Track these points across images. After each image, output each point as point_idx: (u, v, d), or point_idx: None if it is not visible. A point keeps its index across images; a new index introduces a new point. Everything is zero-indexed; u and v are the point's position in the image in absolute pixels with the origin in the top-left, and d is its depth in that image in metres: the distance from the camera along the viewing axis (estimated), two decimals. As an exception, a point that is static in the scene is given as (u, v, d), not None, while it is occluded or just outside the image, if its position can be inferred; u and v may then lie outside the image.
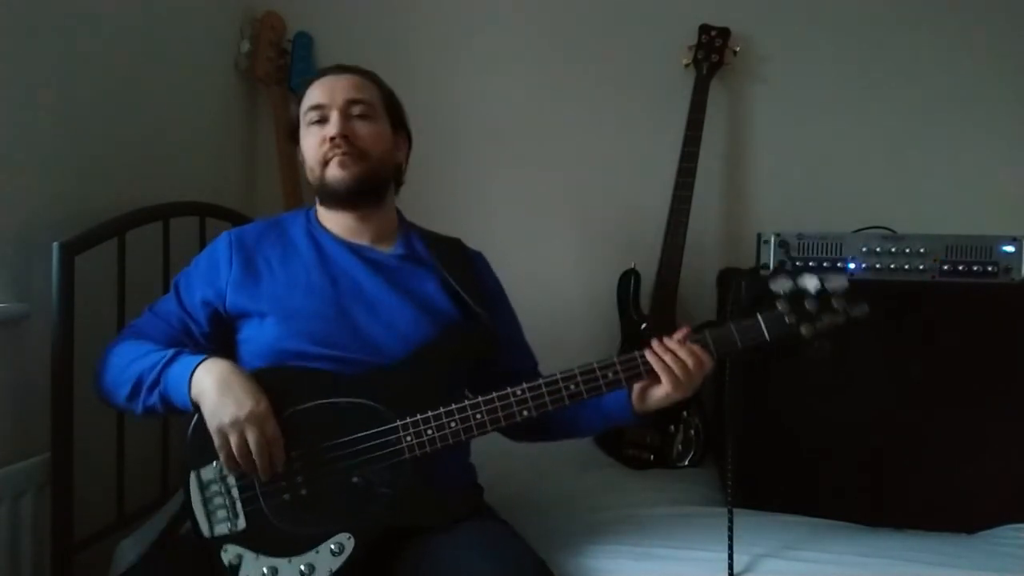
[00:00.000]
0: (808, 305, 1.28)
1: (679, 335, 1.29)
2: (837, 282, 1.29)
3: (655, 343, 1.29)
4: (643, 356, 1.28)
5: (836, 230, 1.86)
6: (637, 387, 1.31)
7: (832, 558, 1.45)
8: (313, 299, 1.34)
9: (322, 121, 1.39)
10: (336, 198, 1.40)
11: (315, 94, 1.40)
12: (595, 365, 1.28)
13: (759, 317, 1.29)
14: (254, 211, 2.27)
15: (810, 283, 1.28)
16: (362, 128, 1.39)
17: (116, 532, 1.57)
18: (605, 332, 2.28)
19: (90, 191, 1.63)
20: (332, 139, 1.36)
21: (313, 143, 1.39)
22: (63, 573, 1.42)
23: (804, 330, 1.27)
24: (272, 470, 1.20)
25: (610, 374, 1.27)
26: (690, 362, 1.26)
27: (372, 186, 1.40)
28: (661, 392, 1.29)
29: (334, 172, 1.37)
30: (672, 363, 1.26)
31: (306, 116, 1.41)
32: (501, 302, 1.53)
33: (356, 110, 1.39)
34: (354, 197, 1.39)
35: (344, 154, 1.36)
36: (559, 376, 1.27)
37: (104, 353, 1.35)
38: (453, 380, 1.33)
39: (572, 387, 1.26)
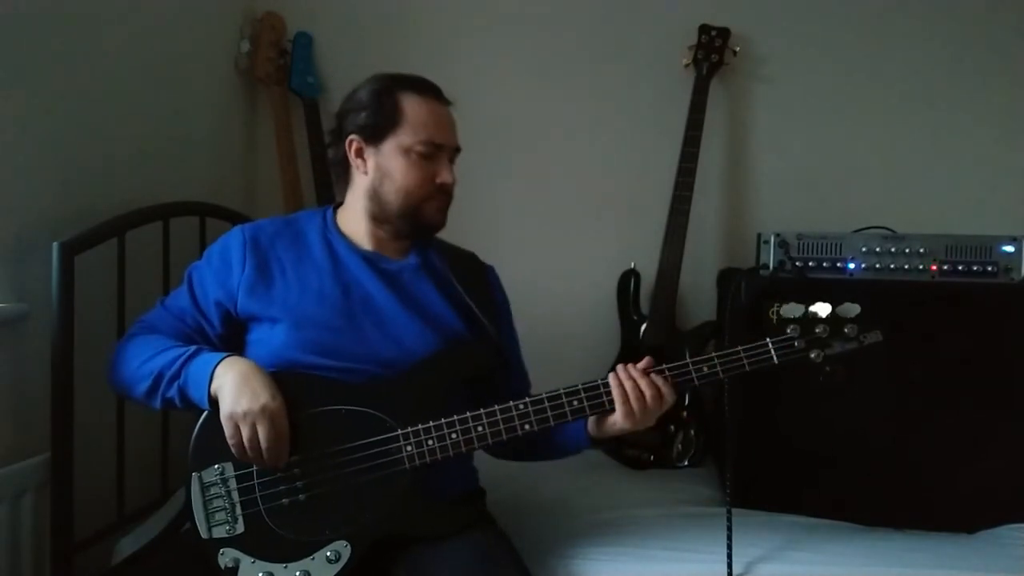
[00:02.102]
0: (819, 330, 1.28)
1: (643, 364, 1.28)
2: (849, 307, 1.29)
3: (620, 368, 1.28)
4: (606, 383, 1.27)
5: (836, 230, 1.86)
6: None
7: (831, 558, 1.46)
8: (324, 308, 1.33)
9: (430, 157, 1.37)
10: (419, 233, 1.42)
11: (432, 126, 1.37)
12: (599, 382, 1.27)
13: (768, 341, 1.29)
14: (254, 211, 2.27)
15: (821, 308, 1.29)
16: (455, 175, 1.41)
17: (116, 532, 1.57)
18: (605, 332, 2.28)
19: (90, 191, 1.63)
20: (443, 185, 1.38)
21: (418, 177, 1.36)
22: (63, 573, 1.42)
23: (814, 355, 1.28)
24: (276, 465, 1.20)
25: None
26: (648, 393, 1.25)
27: None
28: (611, 419, 1.28)
29: (434, 215, 1.39)
30: (630, 391, 1.25)
31: (417, 146, 1.36)
32: (506, 320, 1.52)
33: (455, 157, 1.43)
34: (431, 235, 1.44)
35: (448, 203, 1.41)
36: (580, 386, 1.27)
37: (118, 347, 1.35)
38: (456, 393, 1.32)
39: (575, 403, 1.26)
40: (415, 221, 1.39)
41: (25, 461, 1.43)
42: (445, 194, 1.39)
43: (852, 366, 1.29)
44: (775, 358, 1.28)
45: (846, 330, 1.28)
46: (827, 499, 1.71)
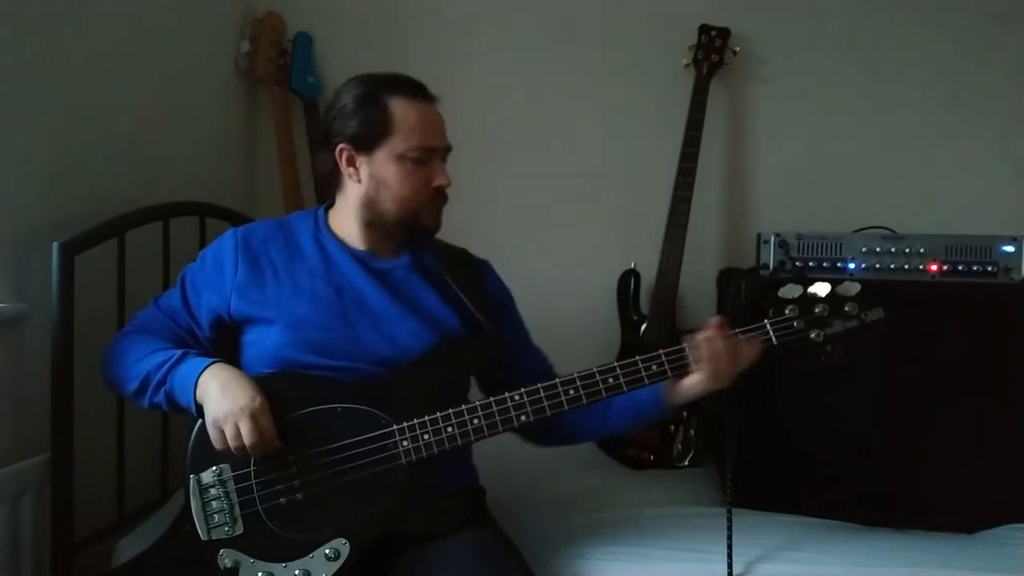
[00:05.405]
0: (818, 309, 1.26)
1: (715, 320, 1.28)
2: (850, 286, 1.27)
3: (708, 331, 1.27)
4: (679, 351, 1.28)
5: (836, 230, 1.86)
6: (668, 381, 1.31)
7: (831, 558, 1.46)
8: (317, 309, 1.33)
9: (424, 162, 1.35)
10: (416, 237, 1.41)
11: (424, 131, 1.35)
12: (595, 370, 1.28)
13: (766, 322, 1.28)
14: (254, 211, 2.27)
15: (820, 287, 1.27)
16: (448, 176, 1.39)
17: (116, 532, 1.57)
18: (605, 332, 2.28)
19: (90, 191, 1.63)
20: (439, 189, 1.37)
21: (415, 184, 1.35)
22: (63, 573, 1.42)
23: (814, 335, 1.26)
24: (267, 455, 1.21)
25: (654, 366, 1.27)
26: (736, 350, 1.26)
27: None
28: (692, 381, 1.28)
29: (431, 220, 1.39)
30: (723, 351, 1.25)
31: (411, 152, 1.34)
32: (508, 310, 1.52)
33: (446, 156, 1.40)
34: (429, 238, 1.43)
35: (444, 204, 1.40)
36: (576, 375, 1.28)
37: (110, 344, 1.37)
38: (453, 387, 1.33)
39: (572, 392, 1.27)
40: (413, 227, 1.39)
41: (25, 461, 1.44)
42: (442, 197, 1.39)
43: (853, 345, 1.26)
44: (774, 339, 1.27)
45: (847, 308, 1.26)
46: (827, 499, 1.71)
